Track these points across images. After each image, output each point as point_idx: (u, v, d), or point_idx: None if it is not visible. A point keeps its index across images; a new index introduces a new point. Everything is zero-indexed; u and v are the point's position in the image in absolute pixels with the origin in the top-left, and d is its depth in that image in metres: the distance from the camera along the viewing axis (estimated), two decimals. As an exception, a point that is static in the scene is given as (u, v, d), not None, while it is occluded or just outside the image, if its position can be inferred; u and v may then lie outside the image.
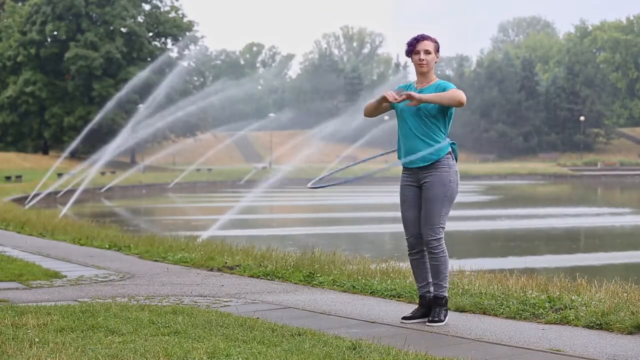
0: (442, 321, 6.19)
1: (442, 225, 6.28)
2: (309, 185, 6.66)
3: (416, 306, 6.55)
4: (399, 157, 6.46)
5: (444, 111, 6.26)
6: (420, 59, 6.27)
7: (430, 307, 6.37)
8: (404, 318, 6.37)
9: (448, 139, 6.31)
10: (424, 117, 6.23)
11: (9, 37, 78.30)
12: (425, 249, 6.41)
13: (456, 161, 6.37)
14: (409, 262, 6.55)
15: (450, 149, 6.30)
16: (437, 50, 6.33)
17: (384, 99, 6.27)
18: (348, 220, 30.89)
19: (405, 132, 6.33)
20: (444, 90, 6.21)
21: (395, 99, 6.19)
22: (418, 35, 6.33)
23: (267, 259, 10.09)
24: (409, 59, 6.38)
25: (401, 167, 6.51)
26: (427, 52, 6.27)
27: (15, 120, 77.72)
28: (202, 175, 68.32)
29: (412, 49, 6.30)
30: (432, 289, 6.42)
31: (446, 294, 6.30)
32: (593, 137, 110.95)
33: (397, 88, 6.44)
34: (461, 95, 6.10)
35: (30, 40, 76.28)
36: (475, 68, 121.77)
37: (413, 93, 6.12)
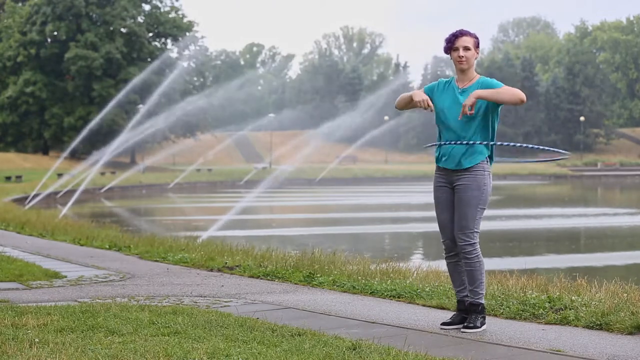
0: (478, 328, 5.95)
1: (476, 230, 6.03)
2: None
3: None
4: (436, 160, 6.19)
5: (492, 111, 6.02)
6: (459, 56, 6.02)
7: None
8: (443, 324, 6.16)
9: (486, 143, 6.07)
10: (469, 117, 5.97)
11: (9, 38, 78.30)
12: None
13: (492, 162, 6.16)
14: (446, 266, 6.33)
15: (487, 154, 6.08)
16: (476, 45, 6.07)
17: (413, 101, 6.08)
18: (348, 220, 30.89)
19: (446, 133, 6.08)
20: (488, 86, 5.97)
21: (425, 108, 6.00)
22: (456, 31, 6.07)
23: (267, 259, 10.10)
24: (449, 56, 6.13)
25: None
26: (467, 49, 6.02)
27: (15, 120, 77.72)
28: (202, 175, 68.30)
29: (450, 45, 6.05)
30: (469, 293, 6.26)
31: (482, 301, 6.07)
32: (593, 138, 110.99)
33: (438, 82, 6.18)
34: (522, 93, 5.85)
35: (30, 41, 76.29)
36: (476, 68, 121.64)
37: (466, 102, 5.83)
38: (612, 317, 6.02)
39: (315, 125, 66.39)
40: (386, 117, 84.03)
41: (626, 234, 26.05)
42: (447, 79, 6.20)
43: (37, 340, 5.09)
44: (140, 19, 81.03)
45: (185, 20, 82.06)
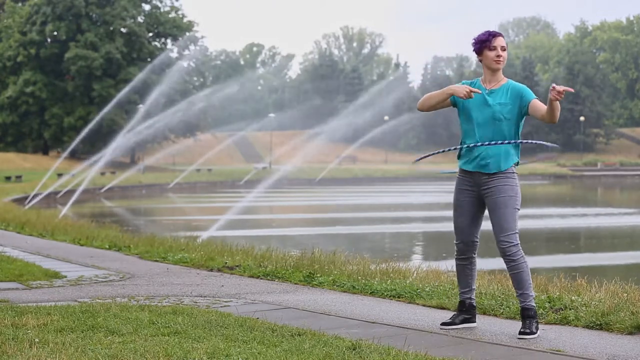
0: (534, 333, 5.73)
1: (517, 231, 5.89)
2: (415, 161, 6.57)
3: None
4: (464, 163, 6.02)
5: (520, 115, 5.92)
6: (497, 55, 5.90)
7: (470, 313, 6.14)
8: (443, 324, 6.11)
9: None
10: (497, 119, 5.87)
11: (9, 38, 78.30)
12: (474, 255, 6.14)
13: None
14: (455, 266, 6.26)
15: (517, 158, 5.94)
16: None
17: (455, 94, 5.85)
18: (348, 220, 30.88)
19: (472, 135, 5.94)
20: (519, 92, 5.87)
21: (469, 96, 5.79)
22: (491, 31, 5.95)
23: (267, 259, 10.09)
24: (477, 57, 5.99)
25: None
26: (504, 49, 5.94)
27: (15, 120, 77.73)
28: (202, 175, 68.29)
29: (487, 44, 5.92)
30: (473, 295, 6.18)
31: (534, 304, 5.87)
32: (593, 137, 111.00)
33: (462, 82, 6.03)
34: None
35: (30, 41, 76.29)
36: (476, 68, 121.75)
37: (562, 88, 5.58)
38: (612, 317, 6.02)
39: (315, 125, 66.35)
40: (386, 117, 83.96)
41: (626, 234, 26.05)
42: (470, 81, 6.07)
43: (37, 340, 5.09)
44: (140, 19, 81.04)
45: (185, 20, 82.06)
